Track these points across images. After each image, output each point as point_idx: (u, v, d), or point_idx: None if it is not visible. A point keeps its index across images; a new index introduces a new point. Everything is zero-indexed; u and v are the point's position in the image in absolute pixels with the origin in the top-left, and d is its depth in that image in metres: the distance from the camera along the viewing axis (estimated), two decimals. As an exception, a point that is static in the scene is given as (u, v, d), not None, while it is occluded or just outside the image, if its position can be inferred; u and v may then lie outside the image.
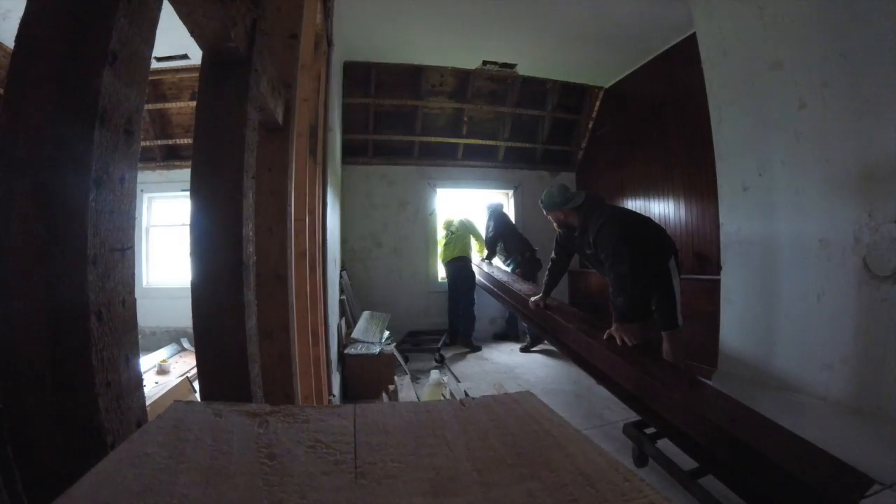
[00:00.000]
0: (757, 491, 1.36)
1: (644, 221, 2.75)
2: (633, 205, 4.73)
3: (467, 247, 4.86)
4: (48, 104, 0.45)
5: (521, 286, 3.68)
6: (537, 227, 5.21)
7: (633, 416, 2.19)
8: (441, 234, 5.19)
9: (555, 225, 2.79)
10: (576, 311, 3.17)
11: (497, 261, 4.87)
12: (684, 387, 1.90)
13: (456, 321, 4.87)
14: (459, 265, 4.81)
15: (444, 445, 0.43)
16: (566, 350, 2.74)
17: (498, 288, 3.97)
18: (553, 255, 2.95)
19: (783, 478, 1.29)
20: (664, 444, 1.94)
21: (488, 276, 4.29)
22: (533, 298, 3.07)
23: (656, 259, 2.53)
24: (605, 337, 2.37)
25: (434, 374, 3.48)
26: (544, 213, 2.77)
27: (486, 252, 4.90)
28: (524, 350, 4.67)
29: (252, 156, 0.96)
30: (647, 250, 2.50)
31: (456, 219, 5.04)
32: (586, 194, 2.66)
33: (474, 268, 4.75)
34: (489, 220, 4.91)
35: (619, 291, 2.39)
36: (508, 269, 4.66)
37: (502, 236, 4.79)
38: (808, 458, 1.37)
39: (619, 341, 2.30)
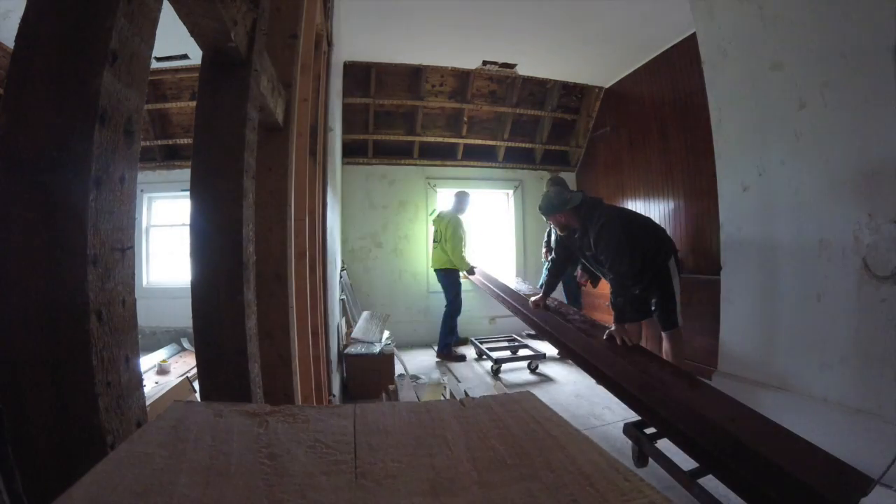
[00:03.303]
0: (757, 491, 1.36)
1: (644, 221, 2.75)
2: (633, 205, 4.73)
3: (453, 256, 4.41)
4: (48, 104, 0.45)
5: (521, 287, 3.68)
6: (539, 227, 5.22)
7: (633, 416, 2.19)
8: (432, 232, 4.73)
9: (556, 229, 2.79)
10: (576, 310, 3.17)
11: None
12: (684, 387, 1.90)
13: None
14: (442, 274, 4.53)
15: (444, 445, 0.43)
16: (566, 350, 2.74)
17: (498, 289, 3.96)
18: (553, 254, 2.96)
19: (783, 478, 1.29)
20: (664, 444, 1.93)
21: (490, 279, 4.21)
22: (533, 298, 3.07)
23: (656, 259, 2.54)
24: (604, 337, 2.37)
25: (434, 374, 3.48)
26: (544, 219, 2.76)
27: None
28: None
29: (252, 156, 0.96)
30: (647, 250, 2.51)
31: (442, 219, 4.57)
32: (583, 195, 2.66)
33: (478, 276, 4.42)
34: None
35: (618, 291, 2.39)
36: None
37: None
38: (808, 458, 1.37)
39: (619, 341, 2.30)
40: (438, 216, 4.69)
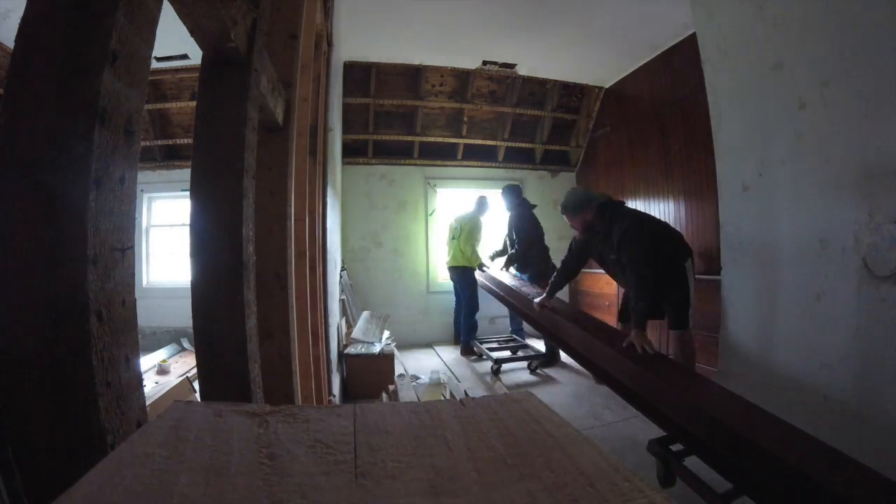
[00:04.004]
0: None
1: (665, 226, 2.74)
2: (633, 205, 4.70)
3: (472, 255, 4.56)
4: (48, 104, 0.45)
5: (528, 289, 3.62)
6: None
7: (633, 416, 2.18)
8: (448, 233, 4.87)
9: (578, 231, 2.72)
10: (585, 314, 3.10)
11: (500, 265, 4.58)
12: (713, 398, 1.76)
13: (458, 326, 4.81)
14: (458, 272, 4.63)
15: (444, 445, 0.43)
16: (574, 354, 2.67)
17: (503, 291, 3.88)
18: (564, 257, 2.91)
19: (825, 496, 1.17)
20: (692, 462, 1.74)
21: (493, 279, 4.16)
22: (537, 300, 3.02)
23: (674, 261, 2.54)
24: (624, 345, 2.26)
25: (434, 374, 3.48)
26: (567, 218, 2.69)
27: (496, 255, 4.53)
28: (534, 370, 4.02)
29: (252, 156, 0.96)
30: (668, 253, 2.51)
31: (463, 218, 4.71)
32: (607, 197, 2.64)
33: (479, 276, 4.50)
34: (512, 220, 4.34)
35: (641, 295, 2.32)
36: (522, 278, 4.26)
37: (531, 242, 4.20)
38: (859, 479, 1.23)
39: (639, 349, 2.18)
40: (459, 216, 4.77)
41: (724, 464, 1.53)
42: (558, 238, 5.63)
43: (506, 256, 4.42)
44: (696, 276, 3.66)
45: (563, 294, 5.35)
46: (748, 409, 1.66)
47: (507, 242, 4.46)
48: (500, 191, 4.61)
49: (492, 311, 5.13)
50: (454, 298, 4.87)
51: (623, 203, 2.66)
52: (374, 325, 3.89)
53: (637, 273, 2.35)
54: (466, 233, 4.56)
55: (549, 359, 4.11)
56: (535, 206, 4.50)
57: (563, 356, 3.92)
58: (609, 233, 2.52)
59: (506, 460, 0.41)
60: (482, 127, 5.61)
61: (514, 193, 4.49)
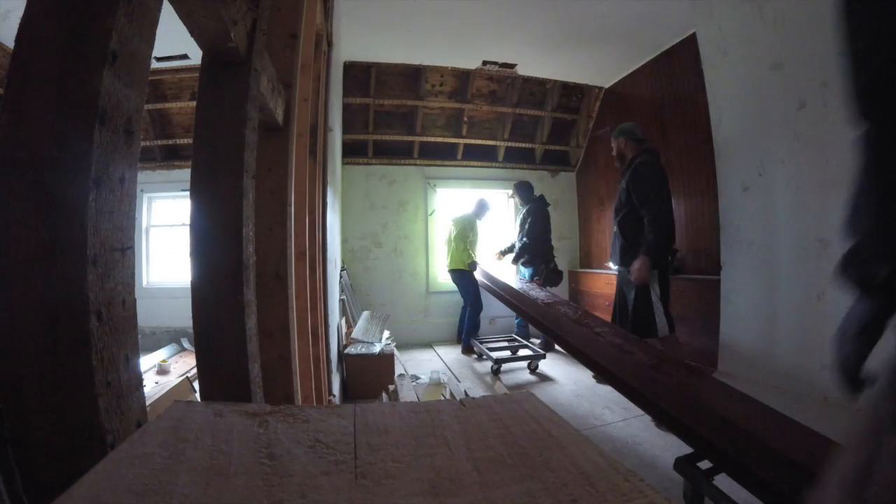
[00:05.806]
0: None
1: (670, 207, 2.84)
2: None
3: (463, 254, 4.60)
4: (48, 104, 0.45)
5: (537, 294, 3.59)
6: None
7: (633, 416, 2.17)
8: (447, 235, 4.91)
9: (614, 152, 2.95)
10: (588, 312, 2.98)
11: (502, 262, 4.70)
12: (739, 409, 1.60)
13: (462, 326, 4.83)
14: (458, 275, 4.66)
15: (444, 445, 0.43)
16: (575, 352, 2.60)
17: (511, 295, 3.81)
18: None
19: None
20: (724, 482, 1.58)
21: (497, 281, 4.09)
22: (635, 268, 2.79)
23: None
24: (636, 266, 2.50)
25: (434, 374, 3.48)
26: (612, 139, 2.93)
27: (502, 250, 4.68)
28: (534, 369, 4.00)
29: (252, 156, 0.96)
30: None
31: (459, 220, 4.74)
32: (649, 142, 2.87)
33: (478, 275, 4.54)
34: (527, 214, 4.54)
35: (653, 228, 2.51)
36: (524, 276, 4.43)
37: (540, 240, 4.47)
38: None
39: (633, 275, 2.44)
40: (456, 218, 4.83)
41: (715, 451, 1.51)
42: (559, 238, 5.66)
43: (514, 251, 4.66)
44: (697, 277, 3.67)
45: (564, 293, 5.38)
46: (748, 404, 1.64)
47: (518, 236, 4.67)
48: (514, 185, 4.84)
49: (492, 312, 5.13)
50: (459, 299, 4.91)
51: (658, 158, 2.76)
52: (374, 325, 3.89)
53: (652, 211, 2.52)
54: (458, 232, 4.63)
55: (545, 344, 4.30)
56: (549, 204, 4.74)
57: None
58: (629, 168, 2.72)
59: (506, 460, 0.41)
60: (482, 127, 5.61)
61: (531, 189, 4.75)
